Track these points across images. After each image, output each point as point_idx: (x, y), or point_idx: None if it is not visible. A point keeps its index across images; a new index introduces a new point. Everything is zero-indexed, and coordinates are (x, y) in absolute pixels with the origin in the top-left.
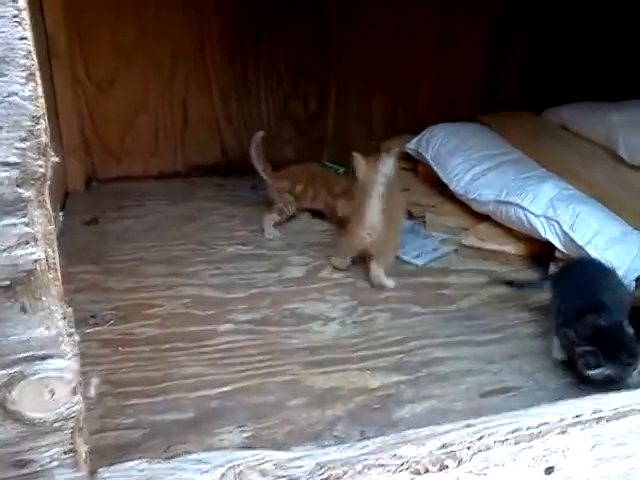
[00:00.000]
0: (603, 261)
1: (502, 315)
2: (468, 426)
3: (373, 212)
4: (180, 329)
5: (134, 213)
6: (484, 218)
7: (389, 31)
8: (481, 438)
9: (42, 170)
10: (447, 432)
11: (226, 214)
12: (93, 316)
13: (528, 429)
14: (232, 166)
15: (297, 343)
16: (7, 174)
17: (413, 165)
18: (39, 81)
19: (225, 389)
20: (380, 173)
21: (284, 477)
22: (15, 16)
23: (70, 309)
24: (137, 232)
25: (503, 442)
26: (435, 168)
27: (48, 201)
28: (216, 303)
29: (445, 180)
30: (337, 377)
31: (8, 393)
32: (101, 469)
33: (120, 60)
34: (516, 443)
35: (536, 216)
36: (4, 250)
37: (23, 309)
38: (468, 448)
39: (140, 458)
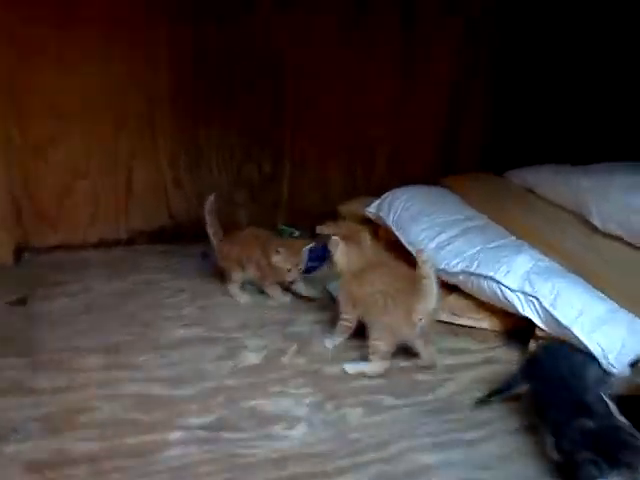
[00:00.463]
0: (573, 346)
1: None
2: None
3: (430, 294)
4: (122, 440)
5: (70, 290)
6: (452, 289)
7: (346, 94)
8: None
9: None
10: None
11: (173, 287)
12: (15, 430)
13: None
14: (181, 231)
15: (260, 454)
16: None
17: (373, 229)
18: None
19: None
20: (428, 262)
21: None
22: None
23: None
24: (72, 313)
25: None
26: (397, 233)
27: None
28: (163, 403)
29: (409, 247)
30: None
31: None
32: None
33: (59, 122)
34: None
35: (512, 291)
36: None
37: None
38: None
39: None
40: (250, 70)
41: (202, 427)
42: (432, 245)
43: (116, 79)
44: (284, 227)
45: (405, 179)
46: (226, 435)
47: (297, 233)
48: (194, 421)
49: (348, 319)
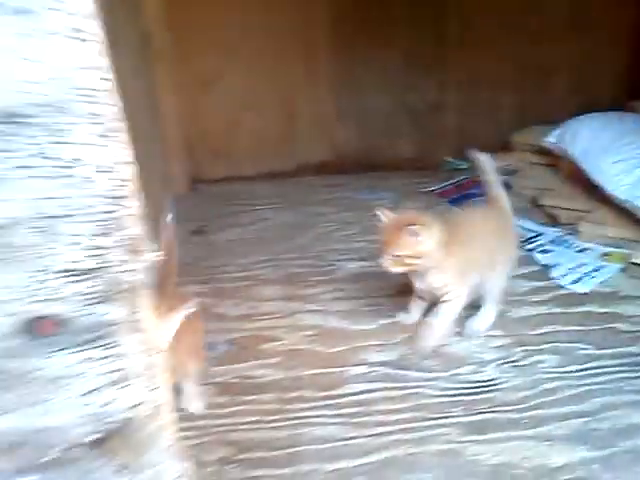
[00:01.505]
0: None
1: None
2: None
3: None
4: (304, 372)
5: (243, 220)
6: None
7: (518, 11)
8: None
9: (132, 278)
10: None
11: (342, 221)
12: (210, 349)
13: None
14: (345, 164)
15: (447, 395)
16: (77, 285)
17: (552, 161)
18: (125, 136)
19: (367, 460)
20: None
21: None
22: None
23: (189, 465)
24: (247, 243)
25: None
26: (584, 167)
27: (146, 321)
28: (343, 337)
29: (600, 182)
30: (507, 448)
31: None
32: None
33: (224, 58)
34: None
35: None
36: (84, 394)
37: (122, 469)
38: None
39: None
40: None
41: (384, 364)
42: (629, 179)
43: (276, 13)
44: (450, 160)
45: (586, 105)
46: (410, 374)
47: (464, 165)
48: (375, 357)
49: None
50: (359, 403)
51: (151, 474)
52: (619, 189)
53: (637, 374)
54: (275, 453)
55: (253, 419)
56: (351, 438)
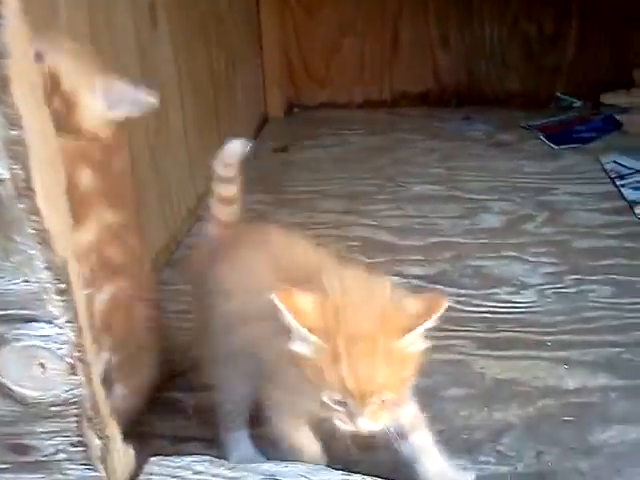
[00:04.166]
0: None
1: None
2: None
3: None
4: None
5: (327, 142)
6: None
7: None
8: None
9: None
10: None
11: (425, 147)
12: None
13: None
14: (445, 95)
15: (475, 311)
16: None
17: None
18: None
19: None
20: None
21: None
22: None
23: (62, 258)
24: (325, 162)
25: None
26: None
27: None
28: (387, 249)
29: None
30: (519, 366)
31: None
32: (151, 460)
33: None
34: None
35: None
36: None
37: None
38: None
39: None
40: None
41: (420, 277)
42: None
43: None
44: (563, 96)
45: None
46: (444, 288)
47: (578, 103)
48: (414, 270)
49: None
50: None
51: (20, 259)
52: None
53: None
54: None
55: None
56: None
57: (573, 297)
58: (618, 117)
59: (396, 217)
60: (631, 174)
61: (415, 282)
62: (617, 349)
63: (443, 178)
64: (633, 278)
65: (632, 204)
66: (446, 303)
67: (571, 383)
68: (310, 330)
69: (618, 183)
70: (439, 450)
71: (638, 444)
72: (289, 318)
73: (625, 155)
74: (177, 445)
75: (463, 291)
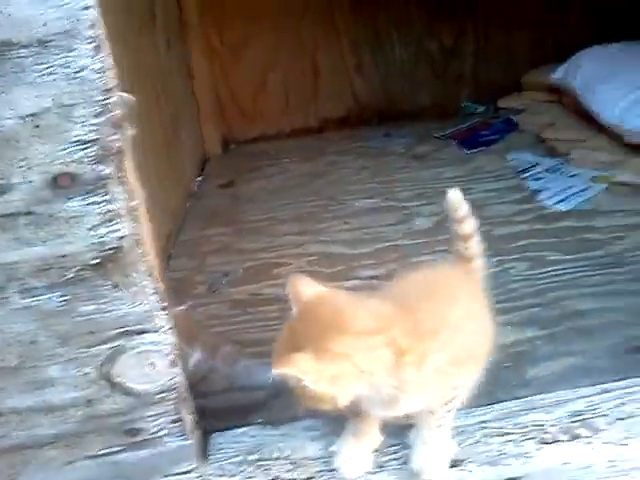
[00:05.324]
0: None
1: None
2: (605, 391)
3: None
4: None
5: (267, 172)
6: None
7: None
8: (621, 405)
9: (119, 144)
10: (579, 398)
11: (356, 166)
12: (226, 274)
13: None
14: (365, 116)
15: None
16: (84, 152)
17: (558, 97)
18: (108, 51)
19: None
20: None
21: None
22: None
23: (161, 284)
24: (269, 191)
25: None
26: (584, 96)
27: (130, 176)
28: (342, 259)
29: (594, 109)
30: None
31: (111, 367)
32: (214, 434)
33: (249, 22)
34: None
35: None
36: (90, 229)
37: (115, 286)
38: (605, 416)
39: (254, 424)
40: None
41: (374, 277)
42: (622, 104)
43: None
44: (468, 104)
45: (602, 40)
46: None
47: (481, 109)
48: (368, 273)
49: None
50: None
51: (136, 290)
52: (611, 114)
53: (595, 272)
54: None
55: (259, 324)
56: None
57: (499, 274)
58: (514, 118)
59: (345, 231)
60: (531, 167)
61: (372, 282)
62: (537, 309)
63: (377, 191)
64: (543, 253)
65: (535, 192)
66: None
67: (508, 339)
68: None
69: (522, 176)
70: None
71: (558, 374)
72: None
73: (524, 151)
74: None
75: None
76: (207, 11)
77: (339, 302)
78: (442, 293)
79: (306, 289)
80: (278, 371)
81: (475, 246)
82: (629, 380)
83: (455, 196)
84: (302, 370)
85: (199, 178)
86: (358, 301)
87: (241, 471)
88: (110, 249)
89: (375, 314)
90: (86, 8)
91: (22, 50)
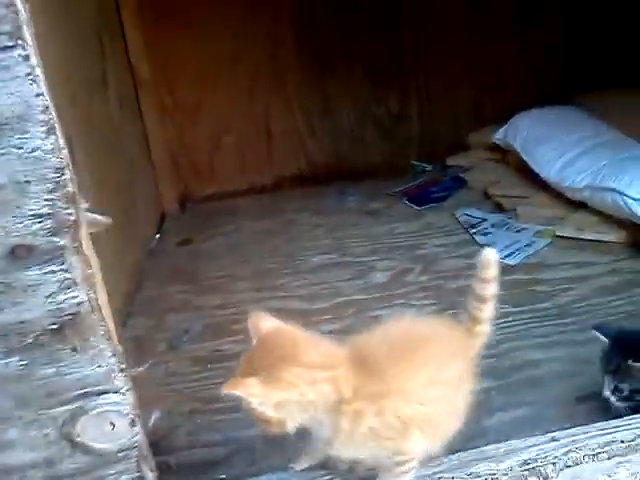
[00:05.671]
0: None
1: (604, 310)
2: (553, 439)
3: None
4: None
5: (224, 230)
6: (581, 206)
7: (467, 22)
8: (568, 452)
9: (73, 218)
10: (529, 447)
11: (311, 223)
12: (187, 331)
13: (623, 442)
14: (318, 175)
15: None
16: (40, 225)
17: (502, 155)
18: (59, 134)
19: None
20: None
21: None
22: (29, 74)
23: (120, 347)
24: (227, 248)
25: (594, 457)
26: (524, 157)
27: (85, 246)
28: (301, 314)
29: (535, 168)
30: None
31: (72, 427)
32: None
33: (202, 85)
34: (609, 458)
35: (635, 200)
36: (48, 296)
37: (74, 349)
38: (553, 464)
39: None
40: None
41: (332, 332)
42: (559, 164)
43: (245, 40)
44: (416, 163)
45: (536, 102)
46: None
47: (429, 167)
48: (327, 327)
49: None
50: None
51: (94, 353)
52: (550, 173)
53: (542, 323)
54: (235, 403)
55: (220, 380)
56: None
57: None
58: (463, 175)
59: (302, 286)
60: (479, 222)
61: (331, 336)
62: (492, 359)
63: (333, 247)
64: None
65: (482, 247)
66: None
67: None
68: None
69: (471, 231)
70: None
71: (510, 424)
72: None
73: (472, 207)
74: None
75: None
76: (160, 73)
77: (295, 336)
78: (416, 354)
79: (265, 323)
80: (227, 392)
81: (489, 311)
82: (576, 428)
83: (491, 256)
84: (249, 393)
85: (157, 236)
86: (313, 338)
87: None
88: (68, 315)
89: (326, 352)
90: (38, 95)
91: None
